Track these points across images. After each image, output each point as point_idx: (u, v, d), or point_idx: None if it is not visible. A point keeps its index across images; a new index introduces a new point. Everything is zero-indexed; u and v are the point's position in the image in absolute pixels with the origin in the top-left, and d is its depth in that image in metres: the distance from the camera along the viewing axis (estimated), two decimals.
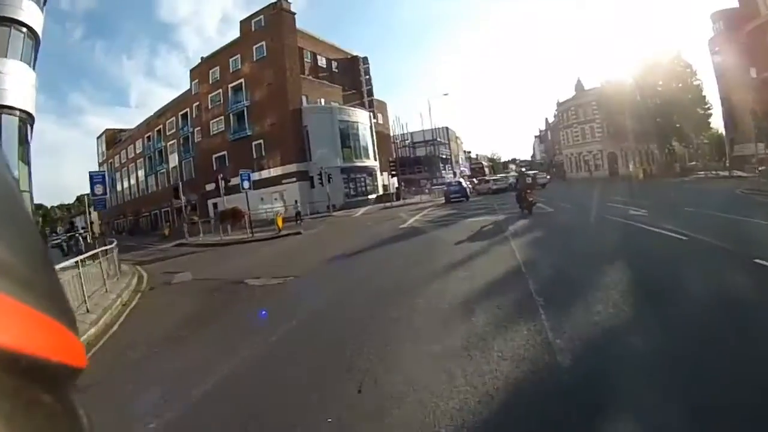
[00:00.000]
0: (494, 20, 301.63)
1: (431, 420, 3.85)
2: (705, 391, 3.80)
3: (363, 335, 6.30)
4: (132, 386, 5.83)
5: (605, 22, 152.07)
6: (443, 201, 39.83)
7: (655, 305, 6.25)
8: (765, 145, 40.50)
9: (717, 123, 54.99)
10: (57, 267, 0.44)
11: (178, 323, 8.65)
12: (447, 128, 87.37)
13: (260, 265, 15.10)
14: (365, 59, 65.83)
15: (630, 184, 41.82)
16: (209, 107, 58.87)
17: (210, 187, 47.86)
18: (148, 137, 74.64)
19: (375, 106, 64.85)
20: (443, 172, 73.73)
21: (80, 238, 28.07)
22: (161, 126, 70.76)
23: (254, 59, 53.20)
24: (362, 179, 54.24)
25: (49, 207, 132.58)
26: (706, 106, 52.51)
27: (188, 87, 64.14)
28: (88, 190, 21.40)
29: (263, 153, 52.25)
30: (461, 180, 47.24)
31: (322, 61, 60.22)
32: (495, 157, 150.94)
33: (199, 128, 61.05)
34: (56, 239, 49.76)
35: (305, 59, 56.27)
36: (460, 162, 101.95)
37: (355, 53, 66.65)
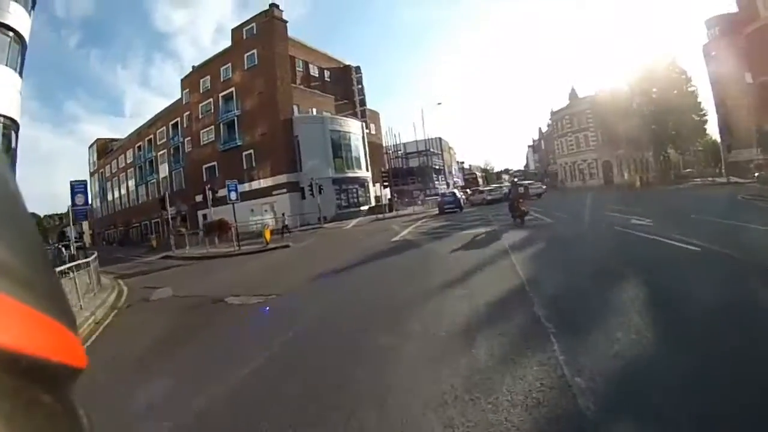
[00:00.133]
0: (487, 31, 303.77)
1: None
2: None
3: (346, 371, 5.43)
4: None
5: (598, 30, 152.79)
6: (437, 212, 39.13)
7: (685, 331, 5.40)
8: (760, 151, 40.29)
9: (711, 129, 54.96)
10: None
11: (146, 348, 7.72)
12: (440, 139, 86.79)
13: (243, 281, 14.45)
14: (358, 68, 65.35)
15: (627, 192, 41.56)
16: (200, 117, 58.09)
17: (200, 198, 46.80)
18: (139, 147, 73.98)
19: (367, 116, 64.33)
20: (436, 182, 73.13)
21: (62, 248, 27.13)
22: (152, 136, 70.18)
23: (245, 68, 52.48)
24: (354, 190, 53.40)
25: (42, 216, 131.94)
26: (702, 113, 52.42)
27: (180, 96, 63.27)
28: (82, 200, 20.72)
29: (253, 163, 51.42)
30: (455, 191, 46.62)
31: (314, 70, 59.54)
32: (488, 168, 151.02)
33: (189, 138, 60.27)
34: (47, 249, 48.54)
35: (297, 68, 55.71)
36: (453, 172, 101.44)
37: (347, 62, 66.15)
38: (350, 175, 52.72)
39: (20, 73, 21.89)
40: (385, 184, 49.40)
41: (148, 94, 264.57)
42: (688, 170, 56.97)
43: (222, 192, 32.01)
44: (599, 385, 4.22)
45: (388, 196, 53.70)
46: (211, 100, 56.35)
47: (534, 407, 3.98)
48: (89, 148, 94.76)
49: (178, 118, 63.20)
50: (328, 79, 61.67)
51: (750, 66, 45.66)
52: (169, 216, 32.90)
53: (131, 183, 76.73)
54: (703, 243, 10.23)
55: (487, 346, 5.54)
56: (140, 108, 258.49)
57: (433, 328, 6.54)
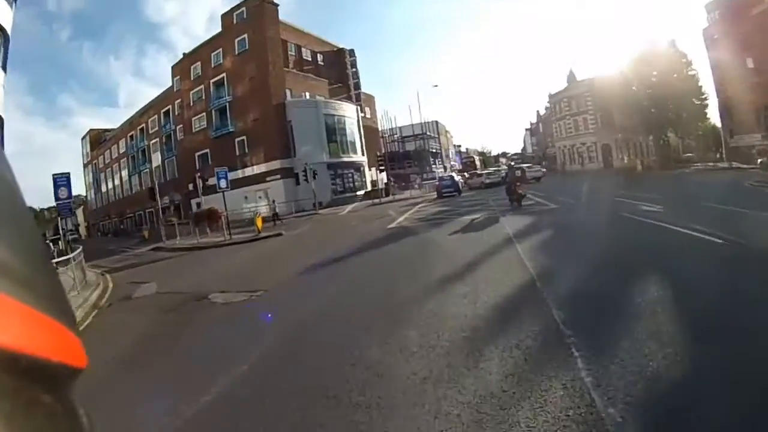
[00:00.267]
0: (483, 13, 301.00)
1: None
2: None
3: (331, 392, 4.54)
4: None
5: (597, 13, 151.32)
6: (434, 196, 38.43)
7: (731, 341, 4.52)
8: (763, 136, 39.66)
9: (712, 114, 54.33)
10: None
11: (117, 356, 6.83)
12: (437, 122, 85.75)
13: (231, 274, 13.73)
14: (352, 51, 64.28)
15: (629, 176, 40.66)
16: (191, 104, 57.07)
17: (193, 186, 46.17)
18: (131, 136, 73.07)
19: (363, 100, 63.44)
20: (433, 166, 72.39)
21: (50, 244, 26.21)
22: (144, 125, 69.29)
23: (236, 53, 51.39)
24: (350, 175, 52.52)
25: (39, 210, 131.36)
26: (703, 96, 51.57)
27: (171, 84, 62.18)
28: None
29: (246, 150, 50.51)
30: (453, 174, 45.86)
31: (307, 54, 58.37)
32: (485, 151, 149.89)
33: (181, 126, 59.33)
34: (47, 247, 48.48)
35: (289, 52, 54.58)
36: (451, 156, 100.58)
37: (341, 46, 64.93)
38: (345, 159, 51.82)
39: (3, 67, 21.10)
40: (381, 168, 48.36)
41: (142, 84, 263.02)
42: (688, 155, 56.23)
43: (214, 180, 31.25)
44: (638, 421, 3.36)
45: (385, 181, 52.83)
46: (202, 86, 55.30)
47: None
48: (82, 139, 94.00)
49: (170, 106, 62.12)
50: (322, 63, 60.56)
51: (753, 50, 44.80)
52: (159, 206, 31.89)
53: (124, 173, 75.93)
54: (724, 234, 9.32)
55: (497, 362, 4.66)
56: (134, 98, 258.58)
57: (433, 337, 5.63)
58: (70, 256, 14.89)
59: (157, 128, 66.04)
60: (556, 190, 28.63)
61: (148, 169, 67.43)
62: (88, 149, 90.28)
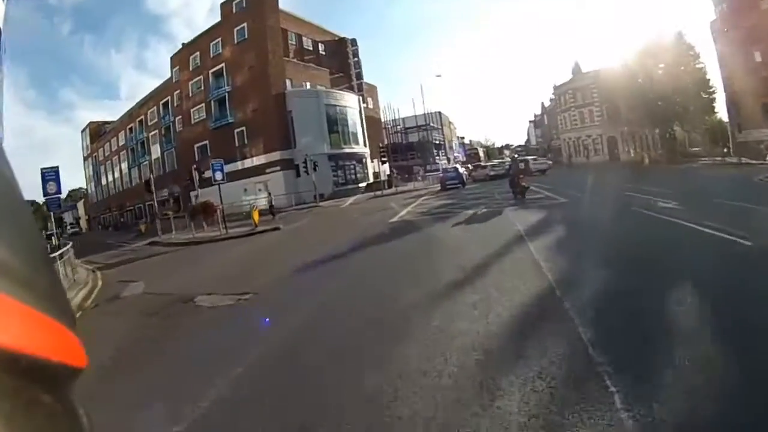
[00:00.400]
0: (487, 4, 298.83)
1: None
2: None
3: None
4: None
5: (603, 3, 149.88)
6: (438, 189, 37.62)
7: None
8: None
9: (718, 108, 53.28)
10: None
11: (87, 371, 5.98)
12: (440, 113, 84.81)
13: (222, 273, 12.99)
14: (354, 41, 63.25)
15: (637, 170, 39.78)
16: (190, 95, 56.17)
17: (189, 179, 45.49)
18: (130, 129, 72.38)
19: (365, 90, 62.36)
20: (436, 158, 71.57)
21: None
22: (143, 116, 68.58)
23: (235, 42, 50.39)
24: (351, 167, 51.48)
25: (41, 204, 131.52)
26: (711, 90, 50.62)
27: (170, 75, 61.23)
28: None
29: (246, 141, 49.64)
30: (457, 166, 45.08)
31: (307, 43, 57.31)
32: (488, 143, 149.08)
33: (180, 117, 58.38)
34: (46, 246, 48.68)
35: (289, 41, 53.52)
36: (454, 148, 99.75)
37: (342, 35, 63.88)
38: (347, 150, 50.79)
39: None
40: (384, 159, 47.46)
41: (144, 77, 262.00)
42: (695, 149, 55.34)
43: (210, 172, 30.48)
44: None
45: (387, 172, 52.03)
46: (201, 77, 54.38)
47: None
48: (82, 132, 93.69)
49: (169, 97, 61.25)
50: (323, 53, 59.50)
51: (761, 43, 44.00)
52: (155, 200, 31.04)
53: (124, 166, 75.23)
54: (749, 235, 8.45)
55: (518, 398, 3.79)
56: (136, 91, 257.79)
57: (439, 361, 4.75)
58: (57, 254, 14.28)
59: (156, 120, 65.15)
60: (564, 183, 27.60)
61: (147, 162, 67.03)
62: (88, 142, 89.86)
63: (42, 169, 19.11)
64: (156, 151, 65.44)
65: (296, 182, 44.93)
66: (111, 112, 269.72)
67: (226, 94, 51.29)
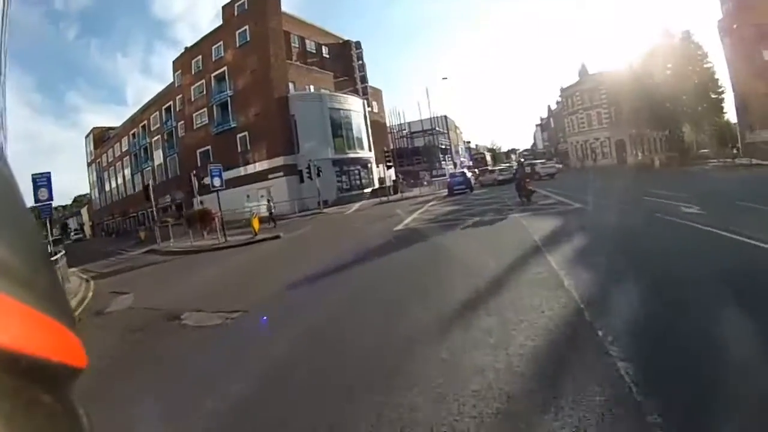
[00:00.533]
0: (494, 9, 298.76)
1: None
2: None
3: None
4: None
5: (608, 4, 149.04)
6: (445, 194, 36.60)
7: None
8: None
9: (727, 109, 52.27)
10: None
11: None
12: (446, 117, 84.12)
13: (214, 286, 12.25)
14: (358, 44, 62.63)
15: (649, 173, 39.01)
16: (192, 99, 55.46)
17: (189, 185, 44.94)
18: (133, 134, 72.03)
19: (369, 94, 61.58)
20: (443, 162, 70.85)
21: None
22: (145, 121, 68.14)
23: (237, 45, 49.69)
24: (356, 172, 50.52)
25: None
26: (720, 90, 49.60)
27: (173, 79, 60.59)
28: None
29: (248, 146, 48.82)
30: (465, 170, 44.15)
31: (311, 46, 56.63)
32: (495, 147, 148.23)
33: (182, 122, 57.78)
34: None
35: (292, 44, 52.87)
36: (460, 152, 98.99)
37: (346, 38, 63.13)
38: (351, 155, 49.85)
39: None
40: (389, 164, 46.58)
41: (150, 82, 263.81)
42: (703, 151, 54.38)
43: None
44: None
45: (393, 178, 51.14)
46: (203, 81, 53.66)
47: None
48: (86, 137, 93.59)
49: (171, 102, 60.64)
50: (327, 56, 58.88)
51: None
52: (154, 207, 30.37)
53: (127, 172, 74.94)
54: None
55: None
56: (142, 96, 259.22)
57: (452, 408, 3.81)
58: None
59: (158, 125, 64.62)
60: (576, 187, 26.48)
61: (150, 167, 66.60)
62: (92, 147, 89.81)
63: (33, 175, 18.59)
64: (159, 156, 64.87)
65: (300, 188, 44.04)
66: (118, 116, 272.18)
67: (228, 99, 50.55)
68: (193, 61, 55.24)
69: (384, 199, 41.35)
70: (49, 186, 18.99)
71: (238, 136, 49.50)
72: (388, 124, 69.52)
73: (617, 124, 66.50)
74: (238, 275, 13.70)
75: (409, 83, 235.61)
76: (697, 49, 49.86)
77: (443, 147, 77.77)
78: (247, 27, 48.61)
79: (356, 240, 16.72)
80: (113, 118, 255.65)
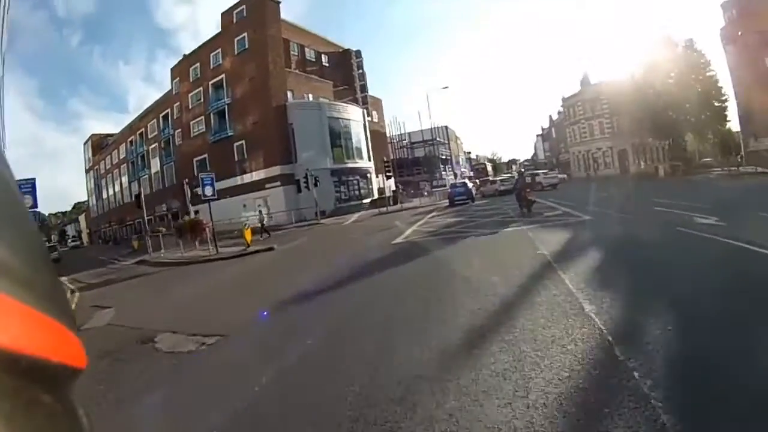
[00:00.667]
0: (493, 17, 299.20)
1: None
2: None
3: None
4: None
5: (610, 14, 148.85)
6: (445, 205, 35.81)
7: None
8: None
9: (730, 117, 51.85)
10: None
11: None
12: (446, 127, 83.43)
13: (197, 303, 11.48)
14: (358, 52, 61.98)
15: (654, 182, 38.34)
16: (190, 107, 54.81)
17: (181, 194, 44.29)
18: (131, 141, 71.42)
19: (369, 103, 60.89)
20: (443, 173, 70.09)
21: None
22: (143, 129, 67.32)
23: (236, 53, 49.00)
24: (355, 182, 49.69)
25: (47, 215, 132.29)
26: (723, 98, 49.04)
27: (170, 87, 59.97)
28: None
29: (245, 155, 48.02)
30: (466, 180, 43.36)
31: (310, 54, 55.93)
32: (495, 158, 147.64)
33: (179, 130, 57.09)
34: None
35: (291, 52, 52.15)
36: (461, 163, 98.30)
37: (346, 46, 62.50)
38: (350, 165, 49.03)
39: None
40: (389, 174, 45.75)
41: (151, 89, 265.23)
42: (706, 159, 53.79)
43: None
44: None
45: (393, 188, 50.38)
46: (201, 88, 52.99)
47: None
48: (84, 144, 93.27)
49: (169, 110, 59.94)
50: (326, 64, 58.20)
51: None
52: (145, 216, 29.66)
53: (124, 179, 74.21)
54: None
55: None
56: (143, 103, 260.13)
57: None
58: None
59: (156, 133, 63.90)
60: (581, 197, 25.44)
61: (147, 175, 66.02)
62: (90, 154, 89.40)
63: (17, 181, 17.80)
64: (156, 164, 64.21)
65: (297, 198, 43.14)
66: (119, 124, 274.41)
67: (226, 107, 49.83)
68: (191, 69, 54.58)
69: (383, 209, 40.49)
70: (33, 193, 18.49)
71: (235, 144, 48.75)
72: (388, 134, 68.97)
73: (619, 134, 66.07)
74: (224, 291, 12.90)
75: (410, 94, 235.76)
76: (700, 57, 49.56)
77: (444, 157, 77.06)
78: (245, 34, 47.96)
79: (352, 253, 15.79)
80: (114, 125, 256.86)
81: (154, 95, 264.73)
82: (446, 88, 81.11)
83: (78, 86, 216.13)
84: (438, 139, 74.16)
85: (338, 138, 48.16)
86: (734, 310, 5.52)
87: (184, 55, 57.34)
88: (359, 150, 51.46)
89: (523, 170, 29.49)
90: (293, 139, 45.23)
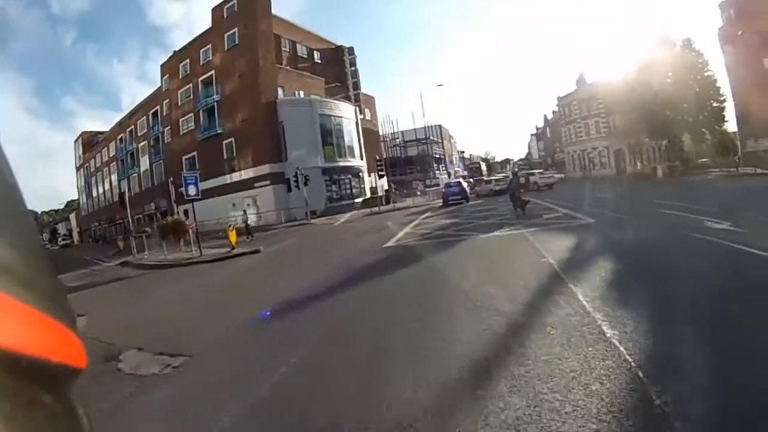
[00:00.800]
0: (489, 17, 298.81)
1: None
2: None
3: None
4: None
5: (606, 12, 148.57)
6: (439, 204, 35.20)
7: None
8: None
9: (728, 117, 51.43)
10: None
11: None
12: (440, 126, 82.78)
13: (170, 313, 10.50)
14: (351, 49, 61.08)
15: (652, 182, 37.79)
16: (179, 104, 53.83)
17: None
18: (121, 139, 70.40)
19: (362, 101, 60.06)
20: (437, 172, 69.33)
21: None
22: (133, 127, 66.20)
23: (226, 48, 48.05)
24: (347, 181, 48.84)
25: (39, 213, 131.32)
26: (722, 98, 48.55)
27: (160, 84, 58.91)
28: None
29: (234, 153, 47.06)
30: (461, 180, 42.59)
31: (302, 51, 55.04)
32: (489, 157, 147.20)
33: (169, 127, 56.04)
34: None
35: (283, 48, 51.23)
36: (454, 162, 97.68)
37: (339, 43, 61.54)
38: (342, 164, 48.17)
39: None
40: (381, 173, 44.82)
41: (145, 88, 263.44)
42: (703, 160, 53.31)
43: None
44: None
45: (385, 187, 49.68)
46: (190, 85, 52.02)
47: None
48: (75, 141, 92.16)
49: (158, 107, 58.89)
50: (319, 61, 57.25)
51: None
52: (129, 216, 28.76)
53: (114, 177, 73.14)
54: None
55: None
56: (137, 102, 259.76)
57: None
58: None
59: (145, 130, 62.90)
60: (580, 198, 24.43)
61: (136, 173, 65.02)
62: (81, 152, 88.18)
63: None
64: (145, 162, 63.26)
65: (287, 197, 42.16)
66: (113, 122, 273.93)
67: (215, 104, 48.87)
68: (180, 65, 53.65)
69: (375, 209, 39.64)
70: None
71: (224, 142, 47.82)
72: (381, 133, 68.19)
73: (615, 134, 65.46)
74: (201, 299, 11.91)
75: (403, 91, 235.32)
76: (698, 57, 49.12)
77: (437, 156, 76.47)
78: (236, 29, 47.02)
79: (340, 258, 14.86)
80: (108, 123, 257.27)
81: (148, 93, 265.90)
82: (440, 85, 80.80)
83: (72, 84, 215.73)
84: (431, 138, 73.49)
85: (330, 136, 47.33)
86: None
87: (174, 52, 56.30)
88: (351, 148, 50.60)
89: (516, 170, 28.92)
90: (283, 136, 44.35)
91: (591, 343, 4.96)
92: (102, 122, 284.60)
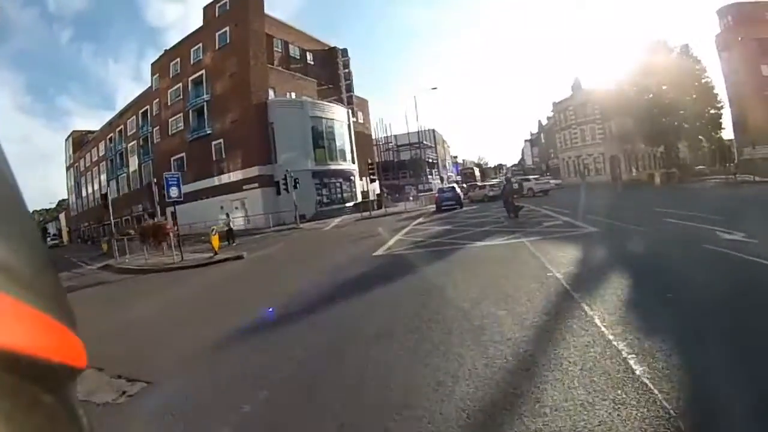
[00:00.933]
0: (483, 22, 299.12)
1: None
2: None
3: None
4: None
5: (603, 18, 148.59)
6: (432, 210, 34.46)
7: None
8: None
9: (724, 124, 51.18)
10: None
11: None
12: (434, 131, 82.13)
13: (138, 327, 9.51)
14: (345, 51, 60.19)
15: (650, 189, 37.25)
16: (169, 103, 52.84)
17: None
18: (110, 139, 69.45)
19: (355, 104, 59.18)
20: (430, 177, 68.65)
21: None
22: (122, 126, 65.14)
23: (217, 48, 47.13)
24: (338, 185, 47.95)
25: (31, 211, 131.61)
26: (719, 105, 48.12)
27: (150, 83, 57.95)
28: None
29: (223, 154, 46.09)
30: (454, 185, 41.73)
31: (294, 51, 54.08)
32: (482, 163, 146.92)
33: (158, 128, 54.99)
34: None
35: (275, 48, 50.30)
36: (447, 167, 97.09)
37: (333, 44, 60.71)
38: (333, 167, 47.31)
39: None
40: (373, 178, 43.88)
41: (140, 88, 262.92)
42: (699, 167, 52.83)
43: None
44: None
45: (377, 192, 48.76)
46: (180, 84, 51.06)
47: None
48: (65, 141, 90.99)
49: (148, 106, 57.87)
50: (311, 62, 56.38)
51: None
52: (112, 218, 27.88)
53: (103, 177, 71.78)
54: None
55: None
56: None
57: None
58: None
59: (135, 130, 61.89)
60: (578, 205, 23.31)
61: (125, 174, 64.01)
62: (71, 151, 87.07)
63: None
64: (134, 163, 62.26)
65: (276, 201, 41.21)
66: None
67: (205, 104, 47.95)
68: (171, 64, 52.74)
69: (366, 214, 38.83)
70: None
71: (214, 143, 46.89)
72: (373, 136, 67.39)
73: (611, 140, 64.86)
74: (172, 312, 11.00)
75: (397, 95, 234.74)
76: (695, 63, 48.77)
77: (430, 161, 75.87)
78: (227, 28, 46.18)
79: (328, 267, 13.90)
80: (103, 123, 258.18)
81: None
82: (435, 89, 79.70)
83: (67, 83, 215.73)
84: (425, 142, 72.79)
85: (321, 138, 46.54)
86: None
87: (165, 50, 55.37)
88: (343, 151, 49.79)
89: (510, 176, 28.45)
90: (273, 138, 43.50)
91: (618, 383, 4.07)
92: (97, 122, 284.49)
